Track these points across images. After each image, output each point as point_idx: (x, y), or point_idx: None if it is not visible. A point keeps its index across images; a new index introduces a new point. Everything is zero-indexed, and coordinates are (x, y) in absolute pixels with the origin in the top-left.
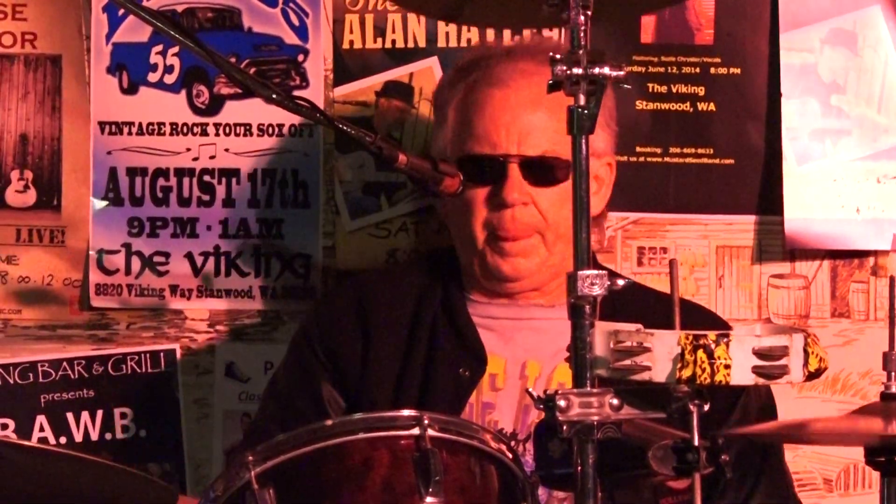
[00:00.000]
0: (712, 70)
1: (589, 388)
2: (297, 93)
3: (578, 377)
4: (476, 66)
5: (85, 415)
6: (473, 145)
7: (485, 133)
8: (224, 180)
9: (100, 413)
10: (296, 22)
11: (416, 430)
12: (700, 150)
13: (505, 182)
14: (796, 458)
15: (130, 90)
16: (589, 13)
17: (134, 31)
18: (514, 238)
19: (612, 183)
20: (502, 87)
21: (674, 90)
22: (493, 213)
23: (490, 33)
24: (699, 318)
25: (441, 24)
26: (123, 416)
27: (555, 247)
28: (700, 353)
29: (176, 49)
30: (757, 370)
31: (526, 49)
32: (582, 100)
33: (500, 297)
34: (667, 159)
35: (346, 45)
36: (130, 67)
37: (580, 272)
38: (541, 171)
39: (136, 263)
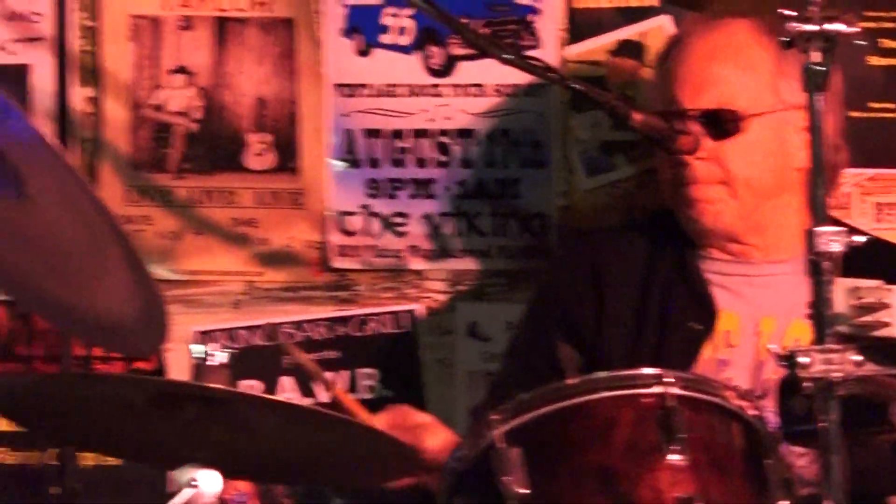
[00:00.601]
0: None
1: (830, 345)
2: (529, 52)
3: (819, 334)
4: (680, 30)
5: (329, 375)
6: (660, 103)
7: (668, 90)
8: (460, 141)
9: (344, 373)
10: None
11: (658, 388)
12: None
13: (684, 137)
14: None
15: (364, 52)
16: None
17: None
18: (695, 185)
19: None
20: (684, 45)
21: None
22: (677, 168)
23: None
24: None
25: None
26: (367, 376)
27: (745, 198)
28: None
29: (408, 10)
30: None
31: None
32: (816, 57)
33: (724, 254)
34: None
35: (577, 4)
36: (364, 29)
37: (818, 229)
38: (717, 123)
39: (375, 225)
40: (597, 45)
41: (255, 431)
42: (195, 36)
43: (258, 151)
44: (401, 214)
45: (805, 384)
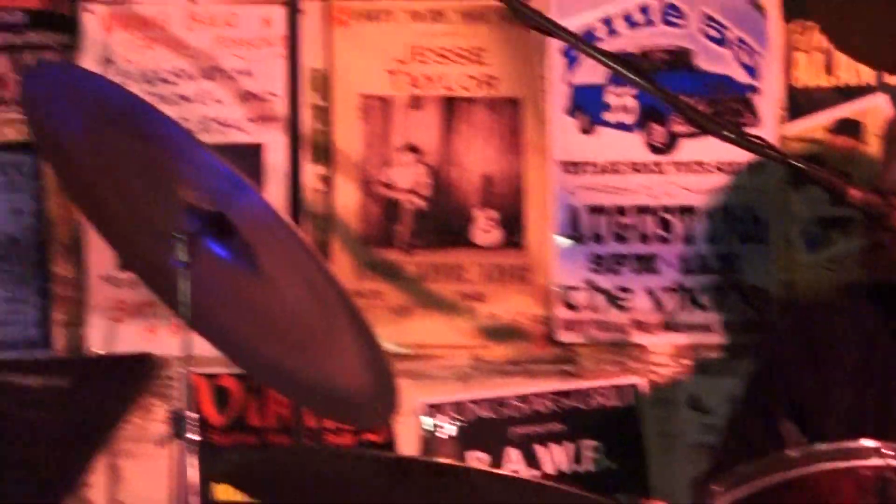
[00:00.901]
0: None
1: None
2: (749, 130)
3: None
4: None
5: (554, 447)
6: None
7: None
8: (682, 217)
9: (568, 445)
10: (746, 61)
11: (878, 460)
12: None
13: None
14: None
15: (588, 130)
16: None
17: (590, 72)
18: None
19: None
20: None
21: None
22: None
23: None
24: None
25: None
26: (590, 448)
27: None
28: None
29: (631, 90)
30: None
31: None
32: None
33: None
34: None
35: (796, 83)
36: (588, 108)
37: None
38: None
39: (599, 299)
40: (815, 124)
41: (483, 498)
42: (424, 115)
43: (485, 227)
44: (624, 289)
45: None
